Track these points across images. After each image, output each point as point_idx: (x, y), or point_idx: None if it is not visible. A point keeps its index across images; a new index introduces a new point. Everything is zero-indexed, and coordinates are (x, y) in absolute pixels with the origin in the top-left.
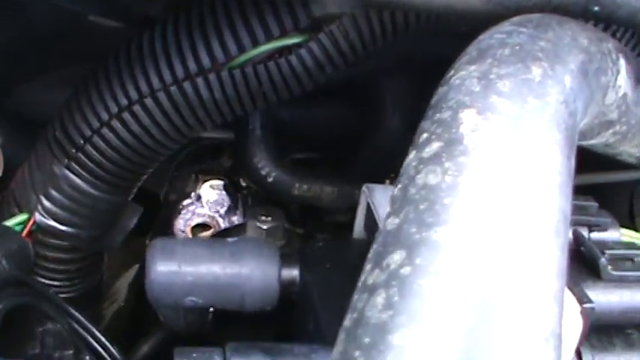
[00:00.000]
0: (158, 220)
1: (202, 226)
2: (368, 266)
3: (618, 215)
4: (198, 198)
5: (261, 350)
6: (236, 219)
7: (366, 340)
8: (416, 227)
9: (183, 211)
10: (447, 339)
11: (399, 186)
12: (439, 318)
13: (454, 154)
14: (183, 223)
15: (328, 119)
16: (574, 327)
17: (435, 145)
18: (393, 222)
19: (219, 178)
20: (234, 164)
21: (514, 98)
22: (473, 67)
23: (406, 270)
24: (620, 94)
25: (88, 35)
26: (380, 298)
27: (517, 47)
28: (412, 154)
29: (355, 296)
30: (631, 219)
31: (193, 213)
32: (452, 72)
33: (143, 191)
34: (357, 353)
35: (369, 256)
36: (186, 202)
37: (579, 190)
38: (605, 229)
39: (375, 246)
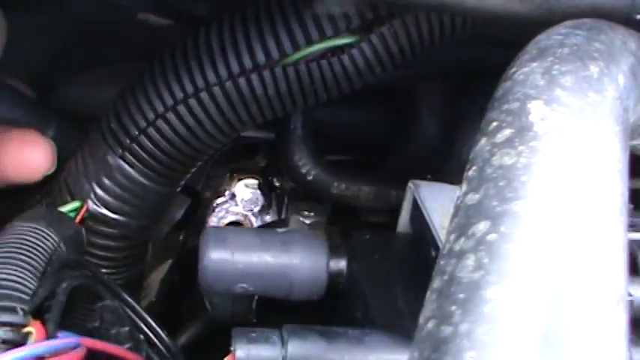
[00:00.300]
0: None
1: (235, 225)
2: (452, 236)
3: None
4: (233, 196)
5: (317, 332)
6: (269, 218)
7: (461, 295)
8: (497, 201)
9: (217, 209)
10: (534, 295)
11: (474, 167)
12: (526, 277)
13: (526, 138)
14: (217, 220)
15: (364, 122)
16: None
17: (507, 132)
18: (472, 197)
19: (253, 177)
20: (270, 163)
21: (576, 92)
22: (535, 64)
23: (492, 237)
24: None
25: (137, 32)
26: (470, 261)
27: (575, 47)
28: (483, 140)
29: (441, 262)
30: None
31: (227, 211)
32: (514, 69)
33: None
34: (453, 307)
35: (450, 228)
36: (220, 200)
37: None
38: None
39: (456, 219)
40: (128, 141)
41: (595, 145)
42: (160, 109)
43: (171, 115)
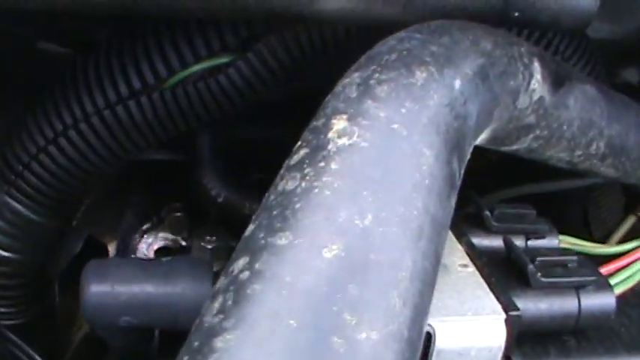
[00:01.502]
0: (119, 244)
1: (166, 250)
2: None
3: (573, 223)
4: (160, 221)
5: None
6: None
7: (195, 344)
8: (264, 232)
9: (145, 236)
10: (267, 343)
11: (266, 195)
12: (263, 322)
13: (316, 159)
14: (146, 247)
15: (283, 138)
16: (499, 335)
17: (302, 152)
18: (249, 229)
19: (177, 201)
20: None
21: (389, 103)
22: (356, 74)
23: (245, 275)
24: (536, 97)
25: (38, 63)
26: (217, 304)
27: (405, 52)
28: (285, 163)
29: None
30: (586, 226)
31: (155, 237)
32: (340, 80)
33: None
34: (185, 358)
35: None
36: (146, 226)
37: (532, 199)
38: (542, 237)
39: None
40: (13, 177)
41: (395, 161)
42: (41, 142)
43: (52, 148)
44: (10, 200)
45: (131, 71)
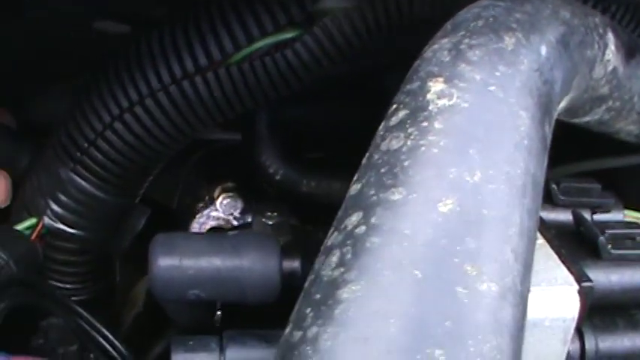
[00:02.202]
0: (174, 224)
1: (218, 230)
2: (330, 231)
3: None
4: (212, 201)
5: (257, 337)
6: (251, 220)
7: (317, 296)
8: (375, 189)
9: (197, 215)
10: (392, 295)
11: (366, 155)
12: (386, 275)
13: (418, 119)
14: (198, 227)
15: (338, 117)
16: (572, 306)
17: (402, 114)
18: (355, 188)
19: (231, 181)
20: (245, 165)
21: (483, 66)
22: (445, 40)
23: (361, 229)
24: (610, 68)
25: (95, 43)
26: (334, 257)
27: (491, 19)
28: (381, 125)
29: (316, 260)
30: None
31: (208, 216)
32: (427, 46)
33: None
34: (307, 310)
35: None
36: (199, 205)
37: (594, 175)
38: (607, 210)
39: (339, 212)
40: (79, 154)
41: (494, 122)
42: (107, 119)
43: (118, 124)
44: (75, 177)
45: (197, 47)
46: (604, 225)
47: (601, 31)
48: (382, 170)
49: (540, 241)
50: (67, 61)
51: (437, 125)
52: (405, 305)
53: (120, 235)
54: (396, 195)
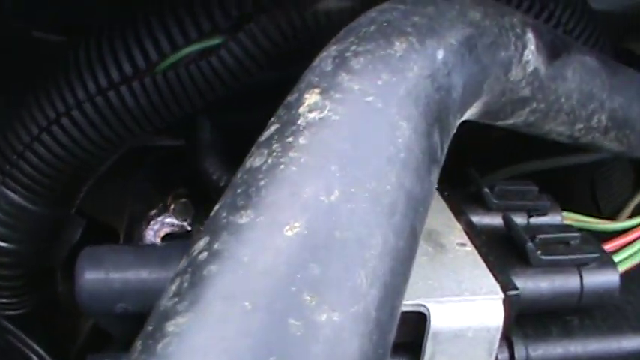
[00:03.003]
0: (126, 232)
1: (173, 236)
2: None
3: (581, 200)
4: (165, 208)
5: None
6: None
7: (149, 328)
8: (226, 211)
9: (151, 222)
10: (219, 326)
11: (235, 173)
12: (217, 304)
13: (285, 135)
14: (153, 233)
15: None
16: (496, 316)
17: (273, 128)
18: (214, 209)
19: (183, 187)
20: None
21: (365, 75)
22: (334, 47)
23: (203, 255)
24: (530, 69)
25: (34, 52)
26: (174, 286)
27: (385, 23)
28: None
29: None
30: (594, 203)
31: (162, 223)
32: (318, 54)
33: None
34: (139, 343)
35: None
36: (152, 212)
37: (540, 178)
38: (544, 214)
39: None
40: (8, 167)
41: (367, 135)
42: (35, 130)
43: (46, 136)
44: (5, 190)
45: (122, 56)
46: (537, 229)
47: (518, 31)
48: (238, 191)
49: (468, 248)
50: (7, 71)
51: (301, 141)
52: (227, 340)
53: (57, 247)
54: (243, 218)
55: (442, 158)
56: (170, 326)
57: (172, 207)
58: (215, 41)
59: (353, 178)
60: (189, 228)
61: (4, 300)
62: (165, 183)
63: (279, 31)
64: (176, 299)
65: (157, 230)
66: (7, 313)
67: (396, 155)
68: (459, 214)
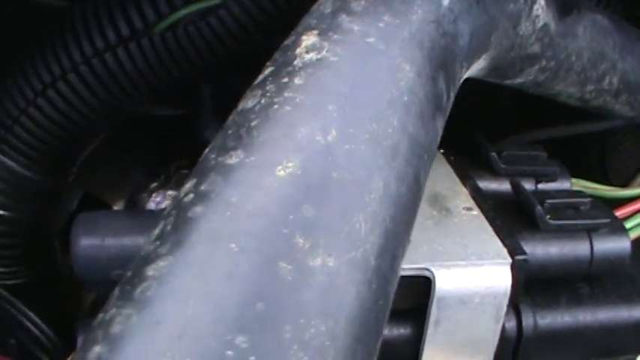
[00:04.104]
0: (127, 203)
1: None
2: None
3: (591, 169)
4: (168, 178)
5: None
6: None
7: (129, 273)
8: (216, 153)
9: (153, 194)
10: (201, 269)
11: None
12: (200, 246)
13: (280, 75)
14: (155, 205)
15: None
16: (504, 281)
17: (268, 71)
18: (204, 152)
19: (185, 157)
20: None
21: (366, 16)
22: None
23: (189, 197)
24: (539, 24)
25: (32, 17)
26: (157, 230)
27: None
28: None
29: None
30: (604, 172)
31: (164, 195)
32: None
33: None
34: (117, 290)
35: None
36: (155, 184)
37: (550, 146)
38: (553, 179)
39: None
40: (3, 132)
41: (368, 76)
42: (30, 95)
43: (41, 100)
44: (1, 157)
45: (119, 18)
46: (546, 194)
47: None
48: (229, 132)
49: (475, 212)
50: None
51: (297, 81)
52: (211, 284)
53: (54, 216)
54: (233, 158)
55: (448, 106)
56: (150, 270)
57: (174, 178)
58: (214, 1)
59: (352, 119)
60: None
61: (2, 269)
62: (169, 153)
63: None
64: (158, 242)
65: (158, 202)
66: (5, 282)
67: (398, 97)
68: (466, 178)
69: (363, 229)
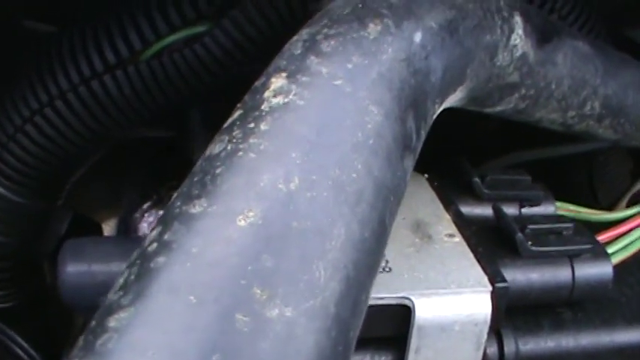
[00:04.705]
0: (120, 224)
1: None
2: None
3: (579, 191)
4: (160, 199)
5: None
6: None
7: (93, 323)
8: (181, 201)
9: (145, 214)
10: (161, 321)
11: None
12: (161, 298)
13: (247, 120)
14: (147, 226)
15: None
16: (484, 309)
17: (236, 114)
18: (172, 198)
19: (177, 178)
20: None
21: (334, 58)
22: (305, 31)
23: (152, 247)
24: (517, 54)
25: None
26: (122, 279)
27: (360, 5)
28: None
29: None
30: (592, 193)
31: (156, 215)
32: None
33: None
34: (81, 339)
35: None
36: (147, 204)
37: (537, 168)
38: (537, 204)
39: None
40: None
41: (334, 120)
42: (18, 121)
43: (29, 127)
44: None
45: (105, 45)
46: (528, 219)
47: (505, 14)
48: (195, 179)
49: (457, 239)
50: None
51: (262, 127)
52: (170, 335)
53: (43, 240)
54: (196, 207)
55: (418, 145)
56: (111, 321)
57: (166, 199)
58: (199, 29)
59: (315, 165)
60: None
61: None
62: (161, 175)
63: (265, 17)
64: (121, 293)
65: (150, 223)
66: None
67: (364, 141)
68: (449, 204)
69: (323, 276)
